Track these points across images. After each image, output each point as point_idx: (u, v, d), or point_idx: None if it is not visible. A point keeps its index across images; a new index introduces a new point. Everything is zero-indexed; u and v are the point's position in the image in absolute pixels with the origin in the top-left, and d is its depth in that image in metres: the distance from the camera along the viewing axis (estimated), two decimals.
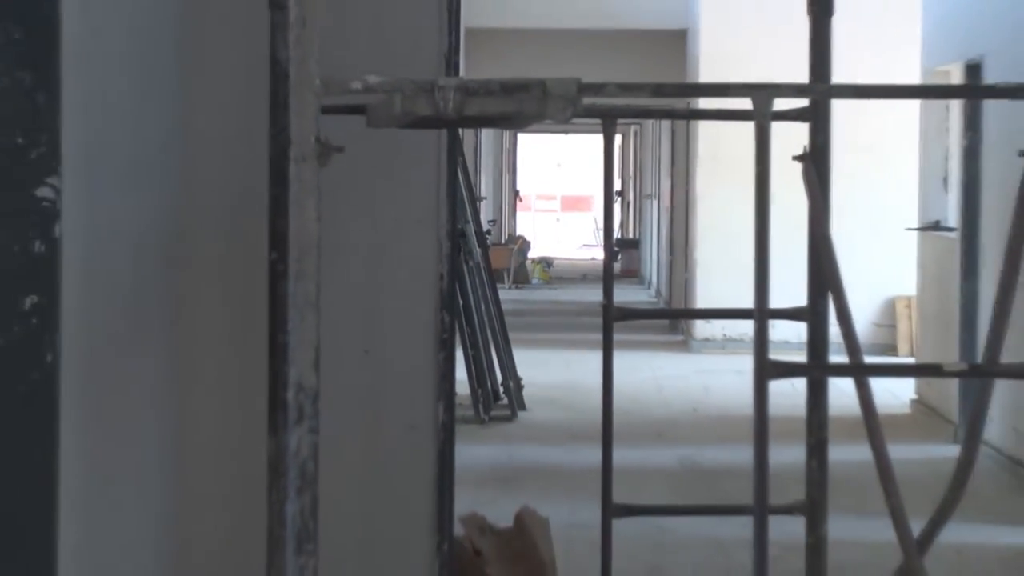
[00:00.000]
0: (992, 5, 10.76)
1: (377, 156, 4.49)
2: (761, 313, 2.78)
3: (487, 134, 27.84)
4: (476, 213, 13.68)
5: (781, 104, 2.91)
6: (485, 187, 28.30)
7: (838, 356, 3.38)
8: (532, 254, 30.40)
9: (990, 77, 10.68)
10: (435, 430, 4.60)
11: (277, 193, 3.00)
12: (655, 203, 26.69)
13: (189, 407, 4.48)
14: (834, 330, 3.39)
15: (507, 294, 21.53)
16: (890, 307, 16.69)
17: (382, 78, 2.68)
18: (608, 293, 4.04)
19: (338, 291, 4.40)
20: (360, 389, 4.58)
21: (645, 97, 2.86)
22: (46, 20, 3.06)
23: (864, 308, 16.02)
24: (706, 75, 16.97)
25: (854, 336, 3.00)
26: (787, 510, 3.70)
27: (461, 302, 12.07)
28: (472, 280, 12.49)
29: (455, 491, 4.74)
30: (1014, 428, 9.64)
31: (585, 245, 43.62)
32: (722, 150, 16.72)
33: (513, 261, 27.29)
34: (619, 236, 33.22)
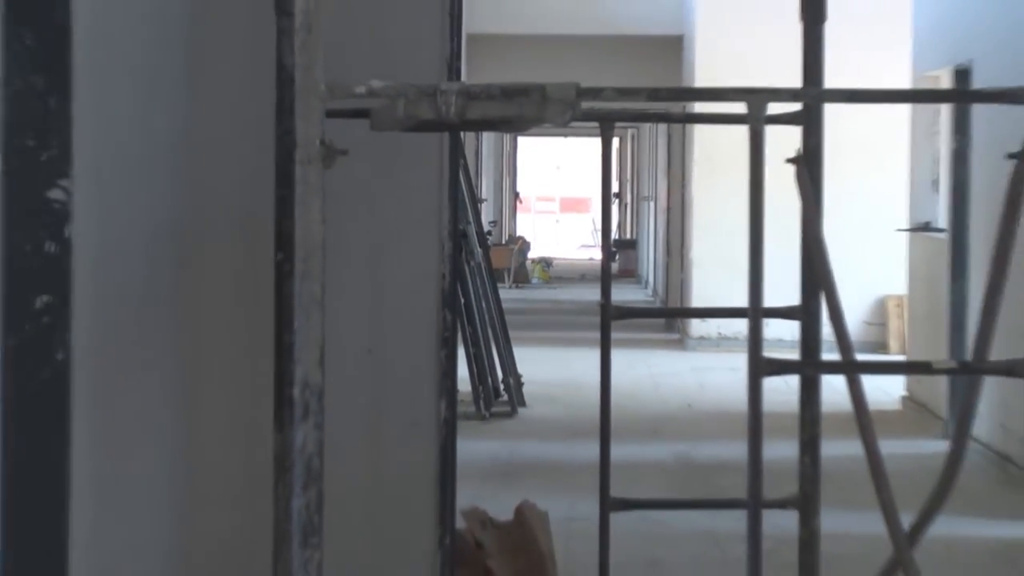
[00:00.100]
0: (981, 12, 10.76)
1: (380, 159, 4.49)
2: (755, 312, 2.78)
3: (488, 137, 27.83)
4: (477, 214, 13.68)
5: (775, 108, 2.91)
6: (486, 189, 28.30)
7: (830, 354, 3.38)
8: (532, 254, 30.39)
9: (979, 82, 10.67)
10: (437, 426, 4.59)
11: (283, 195, 3.00)
12: (652, 205, 26.69)
13: (197, 404, 4.48)
14: (826, 328, 3.39)
15: (507, 293, 21.52)
16: (881, 306, 16.69)
17: (386, 83, 2.68)
18: (606, 292, 4.04)
19: (343, 290, 4.40)
20: (364, 386, 4.58)
21: (642, 101, 2.86)
22: (58, 26, 3.06)
23: (856, 307, 16.02)
24: (701, 80, 16.97)
25: (846, 334, 2.99)
26: (780, 504, 3.70)
27: (463, 301, 12.07)
28: (473, 280, 12.49)
29: (457, 486, 4.74)
30: (1002, 425, 9.64)
31: (584, 246, 43.61)
32: (717, 153, 16.72)
33: (513, 261, 27.29)
34: (617, 237, 33.22)
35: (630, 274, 30.18)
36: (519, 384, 12.66)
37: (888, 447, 3.06)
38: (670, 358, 16.25)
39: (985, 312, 3.06)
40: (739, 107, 2.74)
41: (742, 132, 2.79)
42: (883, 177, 16.33)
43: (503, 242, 28.99)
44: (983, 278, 3.03)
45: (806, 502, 3.68)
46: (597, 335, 4.06)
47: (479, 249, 12.79)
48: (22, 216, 3.01)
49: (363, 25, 4.53)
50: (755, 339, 2.76)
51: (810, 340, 3.67)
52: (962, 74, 11.22)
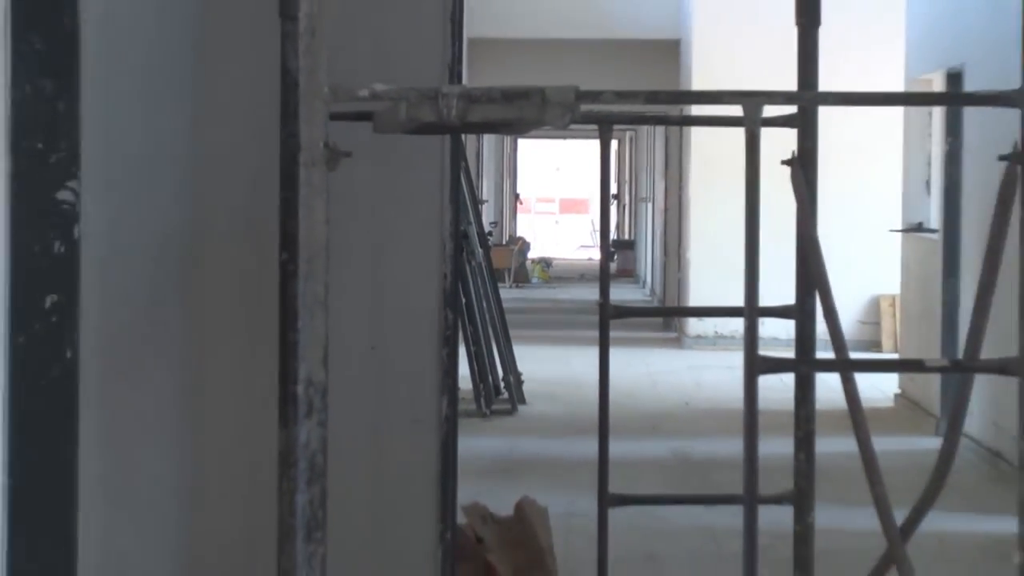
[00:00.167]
0: (972, 18, 10.76)
1: (383, 161, 4.49)
2: (751, 311, 2.78)
3: (489, 139, 27.82)
4: (478, 215, 13.68)
5: (770, 111, 2.91)
6: (487, 190, 28.28)
7: (825, 352, 3.38)
8: (532, 255, 30.39)
9: (970, 85, 10.68)
10: (439, 423, 4.59)
11: (287, 196, 3.00)
12: (649, 206, 26.68)
13: (203, 402, 4.48)
14: (821, 327, 3.39)
15: (508, 293, 21.51)
16: (875, 305, 16.68)
17: (388, 86, 2.68)
18: (605, 292, 4.03)
19: (346, 290, 4.40)
20: (367, 384, 4.58)
21: (640, 104, 2.86)
22: (67, 32, 3.06)
23: (850, 306, 16.02)
24: (698, 83, 16.97)
25: (840, 333, 2.99)
26: (776, 500, 3.69)
27: (464, 300, 12.07)
28: (475, 279, 12.49)
29: (458, 482, 4.74)
30: (994, 422, 9.64)
31: (583, 246, 43.59)
32: (714, 155, 16.71)
33: (514, 261, 27.28)
34: (615, 237, 33.21)
35: (628, 274, 30.17)
36: (519, 382, 12.66)
37: (881, 444, 3.06)
38: (667, 356, 16.24)
39: (977, 311, 3.06)
40: (735, 110, 2.74)
41: (738, 134, 2.79)
42: (877, 178, 16.33)
43: (503, 242, 28.98)
44: (975, 278, 3.03)
45: (801, 498, 3.68)
46: (596, 334, 4.05)
47: (480, 249, 12.78)
48: (31, 217, 3.01)
49: (366, 29, 4.53)
50: (751, 338, 2.76)
51: (805, 339, 3.67)
52: (954, 77, 11.22)
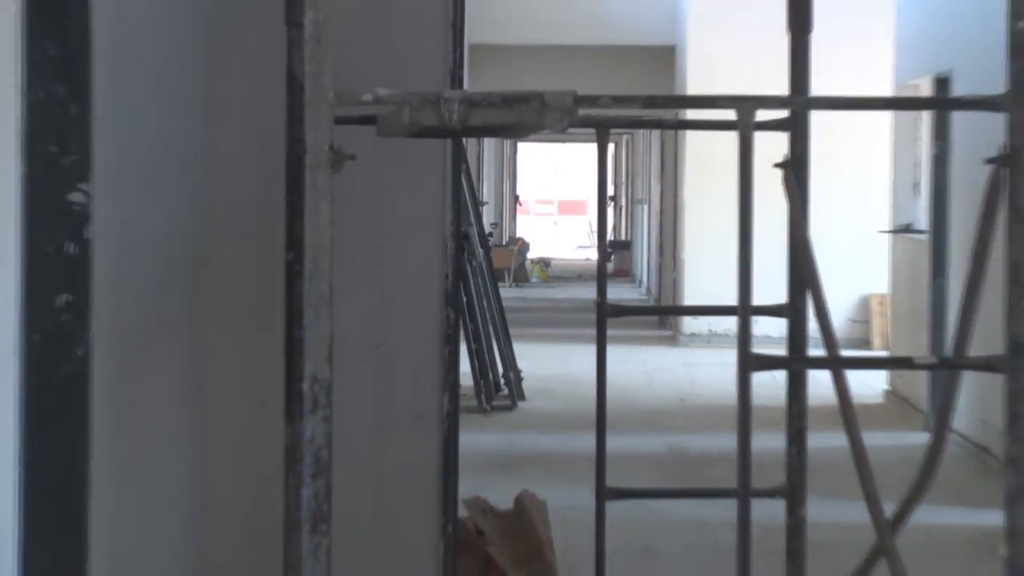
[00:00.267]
0: (959, 24, 10.76)
1: (386, 164, 4.49)
2: (744, 309, 2.78)
3: (489, 143, 27.81)
4: (479, 216, 13.67)
5: (763, 115, 2.91)
6: (487, 192, 28.27)
7: (816, 350, 3.38)
8: (531, 255, 30.36)
9: (958, 90, 10.67)
10: (440, 419, 4.59)
11: (293, 198, 3.00)
12: (646, 207, 26.66)
13: (211, 398, 4.48)
14: (812, 325, 3.39)
15: (508, 292, 21.50)
16: (864, 304, 16.68)
17: (391, 91, 2.68)
18: (602, 291, 4.04)
19: (350, 289, 4.40)
20: (370, 381, 4.58)
21: (636, 108, 2.86)
22: (79, 38, 3.06)
23: (840, 305, 16.01)
24: (693, 88, 16.96)
25: (831, 331, 2.99)
26: (769, 493, 3.70)
27: (465, 299, 12.06)
28: (475, 279, 12.48)
29: (459, 476, 4.74)
30: (981, 418, 9.64)
31: (580, 246, 43.55)
32: (708, 158, 16.71)
33: (513, 261, 27.27)
34: (612, 238, 33.20)
35: (625, 274, 30.16)
36: (519, 379, 12.66)
37: (871, 439, 3.06)
38: (663, 354, 16.24)
39: (964, 310, 3.06)
40: (729, 114, 2.74)
41: (732, 138, 2.79)
42: (866, 181, 16.32)
43: (503, 243, 28.96)
44: (962, 277, 3.03)
45: (793, 491, 3.68)
46: (593, 332, 4.05)
47: (480, 250, 12.78)
48: (44, 218, 3.01)
49: (370, 36, 4.53)
50: (744, 336, 2.76)
51: (797, 337, 3.67)
52: (942, 83, 11.22)
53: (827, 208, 15.16)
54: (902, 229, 12.66)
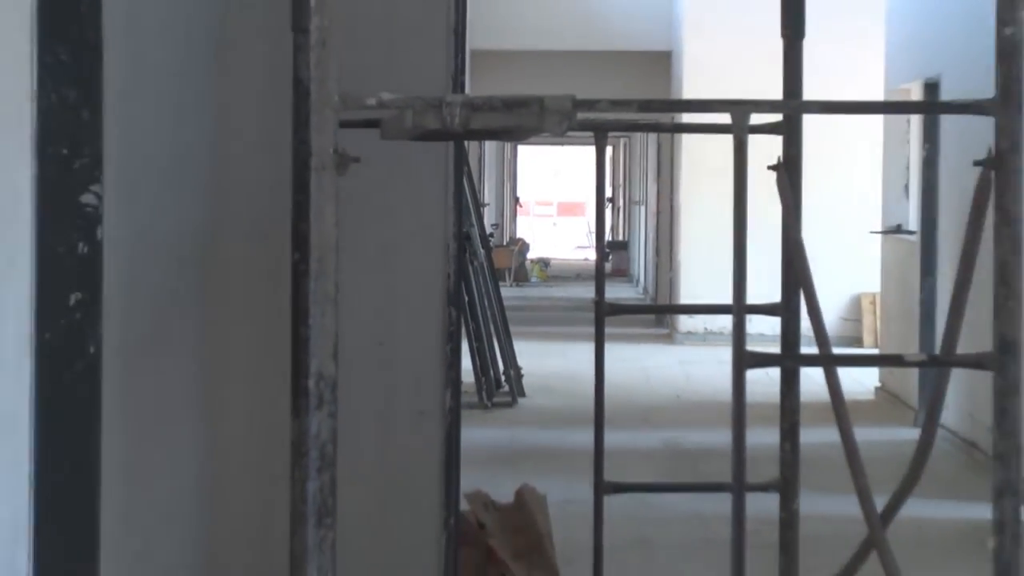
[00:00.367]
0: (949, 30, 10.75)
1: (390, 166, 4.48)
2: (739, 308, 2.78)
3: (490, 145, 27.81)
4: (480, 217, 13.67)
5: (757, 119, 2.91)
6: (488, 194, 28.27)
7: (809, 347, 3.38)
8: (531, 255, 30.36)
9: (947, 94, 10.67)
10: (443, 415, 4.59)
11: (299, 200, 3.00)
12: (643, 209, 26.66)
13: (219, 394, 4.48)
14: (805, 324, 3.39)
15: (508, 291, 21.50)
16: (856, 303, 16.68)
17: (395, 95, 2.68)
18: (600, 290, 4.03)
19: (355, 288, 4.40)
20: (375, 378, 4.58)
21: (634, 112, 2.86)
22: (90, 43, 3.06)
23: (832, 304, 16.02)
24: (689, 92, 16.96)
25: (823, 329, 3.00)
26: (762, 488, 3.69)
27: (467, 298, 12.06)
28: (477, 278, 12.48)
29: (461, 471, 4.74)
30: (969, 414, 9.64)
31: (579, 247, 43.53)
32: (703, 161, 16.71)
33: (514, 261, 27.26)
34: (610, 239, 33.19)
35: (622, 273, 30.15)
36: (519, 376, 12.66)
37: (862, 435, 3.06)
38: (659, 351, 16.24)
39: (953, 308, 3.06)
40: (724, 118, 2.74)
41: (727, 141, 2.79)
42: (858, 183, 16.32)
43: (504, 243, 28.96)
44: (951, 277, 3.03)
45: (786, 486, 3.68)
46: (591, 330, 4.05)
47: (482, 250, 12.78)
48: (57, 219, 3.00)
49: (374, 41, 4.52)
50: (739, 334, 2.76)
51: (790, 335, 3.67)
52: (931, 87, 11.22)
53: (819, 209, 15.16)
54: (893, 230, 12.66)
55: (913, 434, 9.82)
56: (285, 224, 3.79)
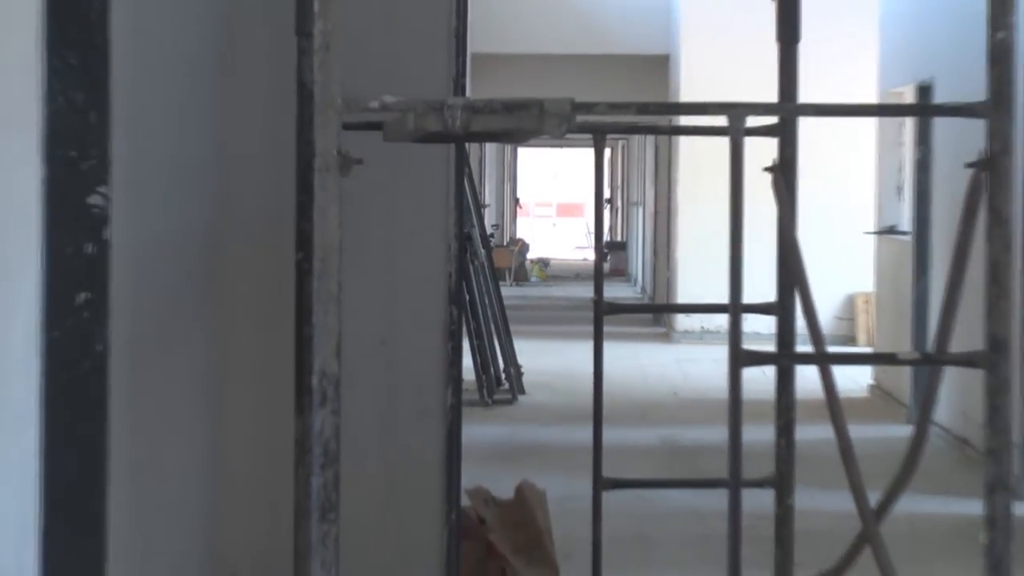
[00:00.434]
0: (941, 34, 10.75)
1: (392, 167, 4.48)
2: (735, 307, 2.78)
3: (490, 147, 27.82)
4: (481, 218, 13.68)
5: (753, 121, 2.91)
6: (489, 195, 28.28)
7: (804, 346, 3.38)
8: (531, 255, 30.36)
9: (940, 97, 10.67)
10: (444, 412, 4.59)
11: (303, 200, 3.00)
12: (640, 210, 26.67)
13: (224, 392, 4.48)
14: (800, 323, 3.38)
15: (508, 291, 21.49)
16: (850, 303, 16.68)
17: (397, 98, 2.68)
18: (599, 290, 4.03)
19: (358, 287, 4.40)
20: (377, 375, 4.58)
21: (632, 115, 2.86)
22: (98, 47, 3.06)
23: (827, 303, 16.01)
24: (686, 95, 16.96)
25: (818, 328, 2.99)
26: (758, 483, 3.69)
27: (467, 297, 12.06)
28: (477, 278, 12.49)
29: (462, 467, 4.74)
30: (962, 411, 9.64)
31: (578, 247, 43.53)
32: (700, 162, 16.71)
33: (514, 261, 27.27)
34: (608, 239, 33.19)
35: (621, 273, 30.15)
36: (519, 374, 12.66)
37: (856, 432, 3.06)
38: (657, 350, 16.24)
39: (946, 308, 3.06)
40: (720, 120, 2.74)
41: (723, 143, 2.79)
42: (852, 184, 16.32)
43: (504, 244, 28.96)
44: (944, 276, 3.03)
45: (782, 482, 3.68)
46: (590, 329, 4.05)
47: (482, 250, 12.79)
48: (65, 220, 3.01)
49: (377, 45, 4.53)
50: (735, 333, 2.76)
51: (785, 333, 3.67)
52: (924, 90, 11.22)
53: (814, 210, 15.16)
54: (886, 230, 12.66)
55: (906, 431, 9.82)
56: (289, 224, 3.79)
